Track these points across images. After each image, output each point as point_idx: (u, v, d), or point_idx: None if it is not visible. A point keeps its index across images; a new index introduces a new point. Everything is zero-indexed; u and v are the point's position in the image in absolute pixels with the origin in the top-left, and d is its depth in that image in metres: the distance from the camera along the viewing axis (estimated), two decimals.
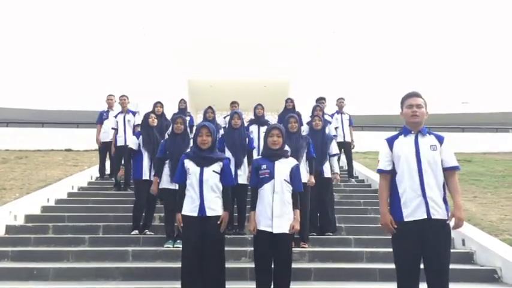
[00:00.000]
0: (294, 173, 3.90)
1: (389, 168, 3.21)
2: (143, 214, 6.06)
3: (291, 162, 3.97)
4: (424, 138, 3.16)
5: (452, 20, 20.43)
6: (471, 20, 20.34)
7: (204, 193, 3.83)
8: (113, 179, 8.41)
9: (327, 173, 6.17)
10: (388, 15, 20.49)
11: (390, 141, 3.26)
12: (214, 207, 3.86)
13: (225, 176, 3.98)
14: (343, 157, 9.25)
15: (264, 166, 3.87)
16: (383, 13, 20.53)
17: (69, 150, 13.19)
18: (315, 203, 5.89)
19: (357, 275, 4.75)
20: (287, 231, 3.77)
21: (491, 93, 20.10)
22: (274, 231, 3.72)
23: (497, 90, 20.09)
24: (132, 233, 5.88)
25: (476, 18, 20.35)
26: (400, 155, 3.15)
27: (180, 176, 4.01)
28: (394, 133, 3.34)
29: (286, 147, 4.77)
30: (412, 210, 3.04)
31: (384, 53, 20.07)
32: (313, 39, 19.75)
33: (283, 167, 3.88)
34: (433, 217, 3.01)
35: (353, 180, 9.17)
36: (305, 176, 5.55)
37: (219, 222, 3.84)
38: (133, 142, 6.22)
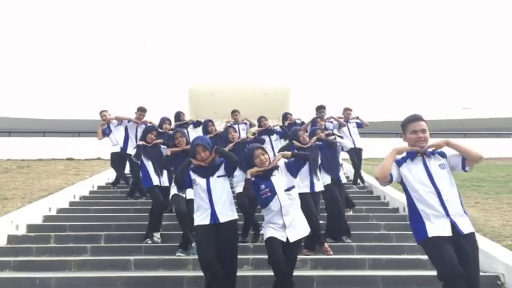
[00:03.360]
0: (289, 164, 4.00)
1: (393, 172, 3.21)
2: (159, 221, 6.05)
3: (281, 167, 4.02)
4: (431, 159, 3.23)
5: (454, 25, 20.48)
6: (473, 25, 20.39)
7: (213, 200, 3.88)
8: (128, 187, 8.34)
9: (343, 179, 6.41)
10: (389, 20, 20.56)
11: (397, 163, 3.28)
12: (227, 212, 3.90)
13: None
14: (350, 165, 9.30)
15: (263, 186, 3.91)
16: (384, 18, 20.61)
17: (70, 159, 13.20)
18: (336, 209, 5.94)
19: (360, 282, 4.72)
20: (301, 236, 3.88)
21: (493, 98, 20.10)
22: (291, 240, 3.79)
23: (498, 96, 20.09)
24: (149, 242, 5.84)
25: (478, 23, 20.40)
26: (413, 180, 3.18)
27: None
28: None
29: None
30: (437, 228, 3.05)
31: (384, 59, 20.11)
32: (313, 45, 19.84)
33: (279, 179, 3.94)
34: (465, 232, 3.05)
35: (355, 187, 9.17)
36: (320, 184, 5.69)
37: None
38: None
